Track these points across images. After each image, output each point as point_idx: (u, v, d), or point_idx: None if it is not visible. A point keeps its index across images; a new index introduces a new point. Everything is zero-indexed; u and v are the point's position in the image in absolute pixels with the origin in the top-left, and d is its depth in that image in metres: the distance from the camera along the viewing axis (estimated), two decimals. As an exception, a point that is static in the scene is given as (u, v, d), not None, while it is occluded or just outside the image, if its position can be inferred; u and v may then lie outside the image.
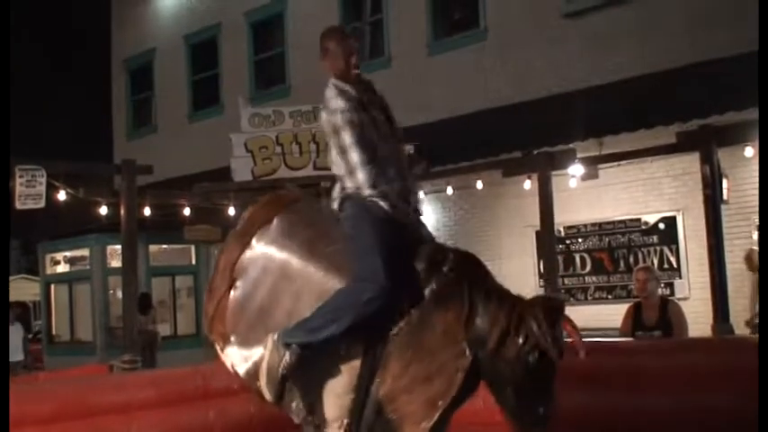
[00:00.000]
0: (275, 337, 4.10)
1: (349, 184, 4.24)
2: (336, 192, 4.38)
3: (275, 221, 4.52)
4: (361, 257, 4.09)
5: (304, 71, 16.44)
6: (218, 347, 4.59)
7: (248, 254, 4.49)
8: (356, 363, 4.08)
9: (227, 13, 18.28)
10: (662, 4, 12.11)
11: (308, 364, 4.08)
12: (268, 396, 4.16)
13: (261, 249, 4.47)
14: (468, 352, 3.93)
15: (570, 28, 13.12)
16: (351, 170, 4.20)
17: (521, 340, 3.82)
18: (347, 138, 4.18)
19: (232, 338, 4.45)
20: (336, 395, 4.12)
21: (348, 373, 4.09)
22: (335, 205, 4.37)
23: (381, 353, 4.04)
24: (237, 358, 4.44)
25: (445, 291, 4.06)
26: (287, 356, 4.04)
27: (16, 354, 14.26)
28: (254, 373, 4.35)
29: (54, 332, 18.62)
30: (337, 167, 4.30)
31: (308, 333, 4.04)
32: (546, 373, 3.86)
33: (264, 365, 4.13)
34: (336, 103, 4.24)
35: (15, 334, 14.48)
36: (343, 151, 4.21)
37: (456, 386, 3.92)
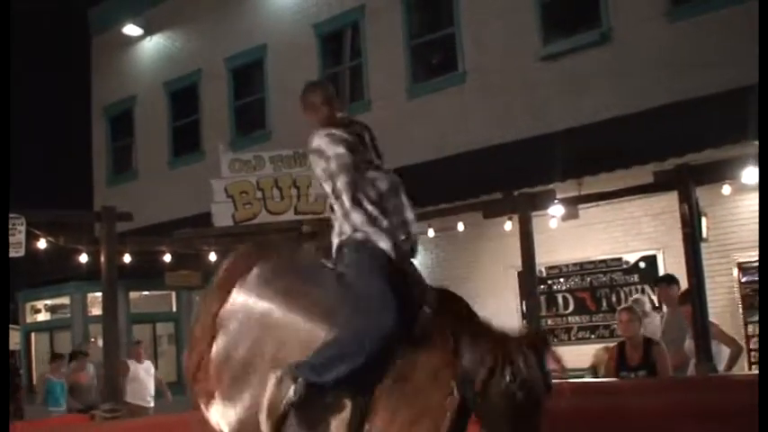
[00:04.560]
0: (279, 373, 4.02)
1: (346, 228, 4.23)
2: (334, 236, 4.35)
3: (254, 271, 4.48)
4: (367, 294, 4.05)
5: (284, 116, 16.51)
6: (202, 405, 4.51)
7: (228, 306, 4.45)
8: (345, 411, 4.02)
9: (207, 59, 18.36)
10: (637, 45, 12.27)
11: (306, 407, 4.01)
12: (265, 430, 4.07)
13: (242, 300, 4.42)
14: (455, 392, 3.90)
15: (547, 71, 13.26)
16: (345, 213, 4.21)
17: (508, 377, 3.80)
18: (341, 182, 4.19)
19: (216, 395, 4.39)
20: None
21: (339, 422, 4.04)
22: (332, 253, 4.34)
23: (370, 398, 4.00)
24: (222, 416, 4.38)
25: (429, 331, 4.04)
26: (291, 392, 3.97)
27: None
28: (238, 430, 4.28)
29: (34, 381, 18.40)
30: (334, 213, 4.31)
31: (314, 371, 3.97)
32: (533, 408, 3.85)
33: (266, 401, 4.04)
34: (329, 149, 4.26)
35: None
36: (337, 196, 4.22)
37: (446, 428, 3.89)
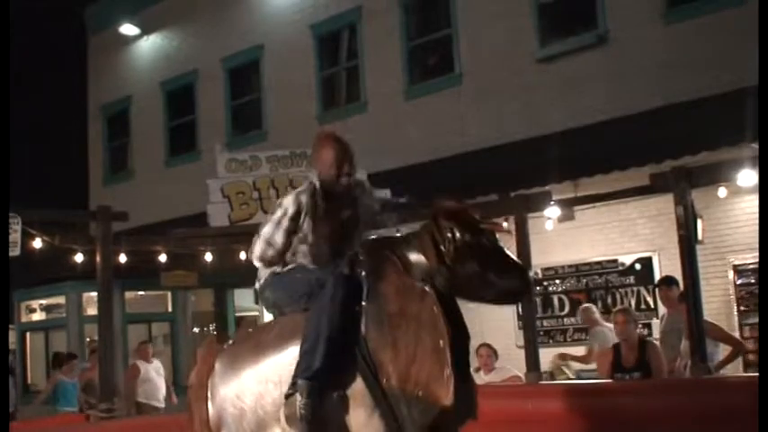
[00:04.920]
0: (287, 392, 4.19)
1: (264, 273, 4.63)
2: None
3: (217, 365, 4.68)
4: (295, 285, 4.41)
5: (281, 116, 16.53)
6: None
7: (214, 405, 4.62)
8: (360, 386, 4.11)
9: (203, 59, 18.35)
10: (633, 48, 12.29)
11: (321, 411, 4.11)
12: None
13: (221, 393, 4.58)
14: (427, 288, 4.12)
15: (544, 72, 13.26)
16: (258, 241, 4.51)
17: (451, 245, 4.11)
18: (275, 218, 4.48)
19: None
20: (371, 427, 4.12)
21: (363, 404, 4.11)
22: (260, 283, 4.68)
23: (369, 356, 4.09)
24: None
25: (376, 268, 4.26)
26: (299, 395, 4.08)
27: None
28: None
29: (29, 381, 18.38)
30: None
31: (305, 368, 4.09)
32: (493, 247, 4.18)
33: (282, 416, 4.20)
34: (302, 195, 4.50)
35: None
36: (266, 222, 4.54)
37: (441, 321, 4.02)
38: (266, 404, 4.35)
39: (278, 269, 4.52)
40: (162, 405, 12.78)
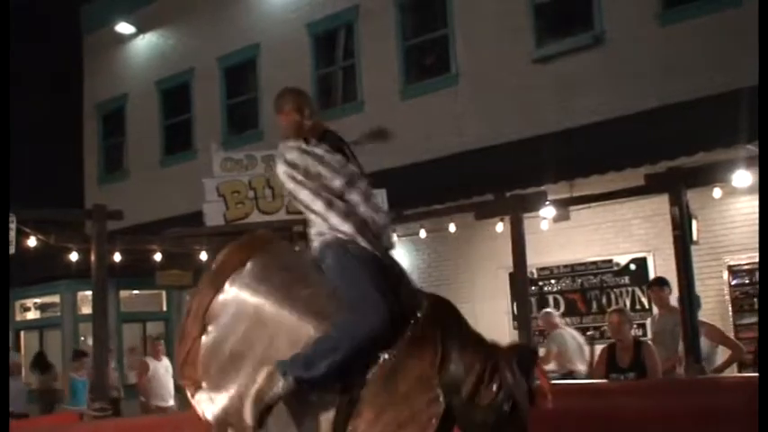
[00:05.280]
0: (271, 367, 4.06)
1: (324, 228, 4.26)
2: (313, 234, 4.38)
3: (249, 265, 4.49)
4: (354, 293, 4.08)
5: (276, 115, 16.50)
6: (188, 393, 4.55)
7: (221, 298, 4.45)
8: (330, 410, 4.02)
9: (199, 58, 18.33)
10: (629, 48, 12.30)
11: (292, 402, 4.04)
12: (249, 420, 4.11)
13: (234, 294, 4.43)
14: (441, 398, 3.90)
15: (540, 73, 13.28)
16: (323, 217, 4.25)
17: (495, 389, 3.82)
18: (305, 192, 4.28)
19: (203, 384, 4.41)
20: None
21: (323, 420, 4.04)
22: (315, 253, 4.36)
23: (356, 399, 4.00)
24: (207, 404, 4.40)
25: (419, 337, 4.03)
26: (279, 386, 4.01)
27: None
28: (223, 419, 4.31)
29: (24, 380, 18.33)
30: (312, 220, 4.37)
31: (304, 367, 3.99)
32: (519, 421, 3.87)
33: (253, 392, 4.09)
34: (293, 157, 4.34)
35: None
36: (307, 206, 4.30)
37: None
38: (254, 347, 4.25)
39: (349, 236, 4.23)
40: (169, 404, 12.72)
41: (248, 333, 4.31)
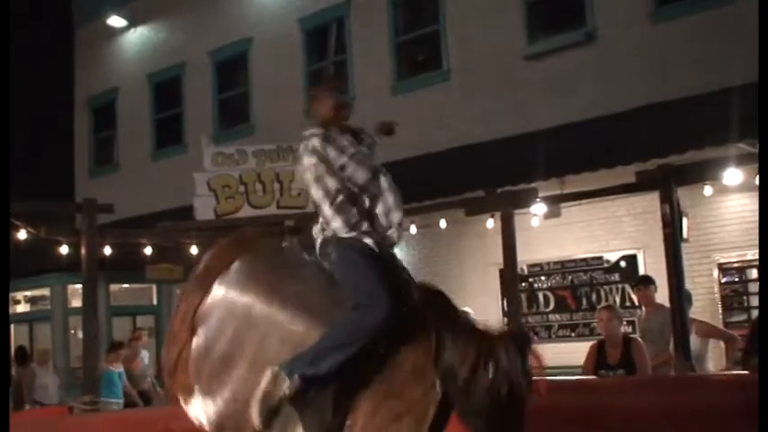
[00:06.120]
0: (275, 368, 4.03)
1: (328, 226, 4.27)
2: (316, 231, 4.37)
3: (236, 265, 4.47)
4: (360, 289, 4.07)
5: (268, 110, 16.50)
6: (181, 400, 4.49)
7: (209, 300, 4.43)
8: (329, 405, 4.02)
9: (191, 52, 18.29)
10: (621, 46, 12.32)
11: (297, 402, 4.02)
12: (256, 421, 4.07)
13: (222, 295, 4.41)
14: (438, 386, 3.92)
15: (531, 70, 13.28)
16: (327, 219, 4.24)
17: (491, 373, 3.82)
18: (321, 188, 4.23)
19: (195, 389, 4.37)
20: None
21: (324, 415, 4.03)
22: (317, 249, 4.36)
23: (353, 392, 4.01)
24: (201, 410, 4.37)
25: (412, 326, 4.05)
26: (286, 387, 3.98)
27: None
28: (219, 423, 4.28)
29: (13, 373, 18.28)
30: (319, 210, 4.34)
31: (310, 364, 3.98)
32: (516, 404, 3.87)
33: (260, 393, 4.04)
34: (317, 145, 4.30)
35: None
36: (319, 200, 4.26)
37: (428, 422, 3.90)
38: (246, 348, 4.24)
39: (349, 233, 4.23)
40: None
41: (238, 334, 4.29)
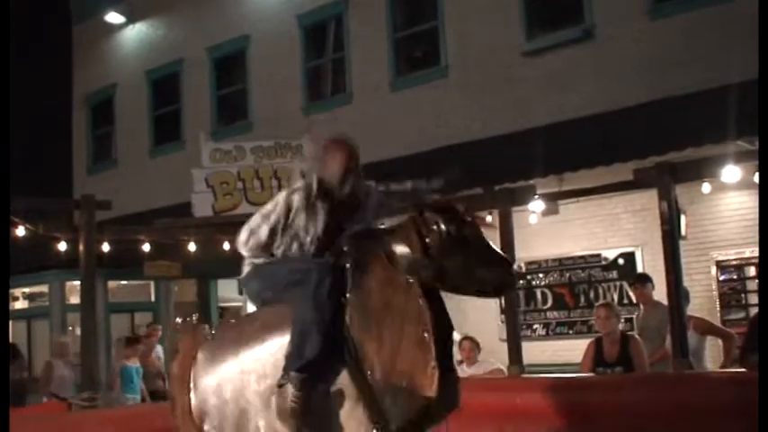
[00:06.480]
0: (274, 385, 4.22)
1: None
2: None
3: (199, 356, 4.71)
4: (288, 275, 4.39)
5: (266, 107, 16.47)
6: None
7: (197, 395, 4.66)
8: (345, 378, 4.13)
9: (189, 48, 18.26)
10: (619, 43, 12.30)
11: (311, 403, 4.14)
12: None
13: (204, 382, 4.63)
14: (410, 279, 4.07)
15: (530, 66, 13.26)
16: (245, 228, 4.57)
17: (435, 228, 4.06)
18: (259, 222, 4.55)
19: (205, 427, 4.60)
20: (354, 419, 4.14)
21: (348, 396, 4.13)
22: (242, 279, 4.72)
23: (353, 346, 4.12)
24: None
25: (361, 260, 4.26)
26: (291, 388, 4.11)
27: None
28: None
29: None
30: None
31: (297, 357, 4.12)
32: (478, 240, 4.09)
33: (275, 411, 4.24)
34: (295, 194, 4.51)
35: None
36: (251, 227, 4.58)
37: (426, 314, 4.00)
38: (249, 395, 4.39)
39: (260, 260, 4.55)
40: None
41: (238, 396, 4.48)
